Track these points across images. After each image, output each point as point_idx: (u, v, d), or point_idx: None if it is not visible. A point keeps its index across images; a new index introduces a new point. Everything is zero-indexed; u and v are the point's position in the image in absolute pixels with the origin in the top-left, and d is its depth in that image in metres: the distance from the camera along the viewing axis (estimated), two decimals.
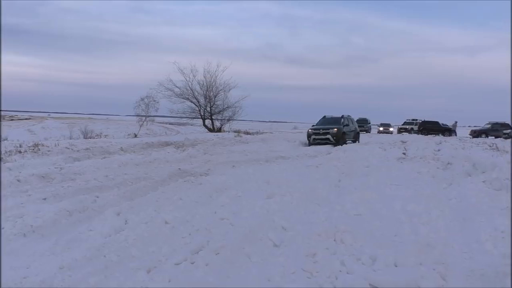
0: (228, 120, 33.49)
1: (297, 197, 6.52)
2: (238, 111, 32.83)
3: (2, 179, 8.15)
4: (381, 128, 44.43)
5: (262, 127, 54.27)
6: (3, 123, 31.37)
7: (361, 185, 7.60)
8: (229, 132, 29.58)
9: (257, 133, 30.42)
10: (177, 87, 31.51)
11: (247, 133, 28.94)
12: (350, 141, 21.29)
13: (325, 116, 22.33)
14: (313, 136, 20.04)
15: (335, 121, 21.11)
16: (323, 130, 19.97)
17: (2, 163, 10.49)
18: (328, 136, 19.60)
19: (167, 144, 18.22)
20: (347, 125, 21.29)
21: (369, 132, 42.01)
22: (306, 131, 21.30)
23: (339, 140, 19.36)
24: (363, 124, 42.80)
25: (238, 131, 29.11)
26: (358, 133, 23.27)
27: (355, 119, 44.05)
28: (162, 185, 8.40)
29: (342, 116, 21.52)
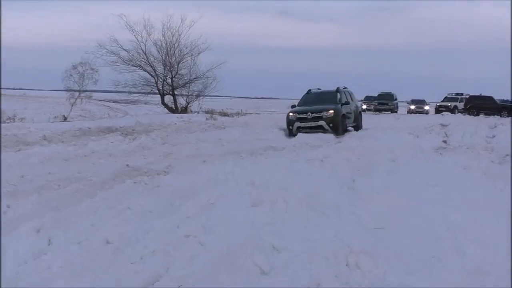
0: (197, 96, 33.42)
1: (294, 205, 6.50)
2: (211, 83, 32.81)
3: None
4: (412, 107, 44.83)
5: (246, 105, 54.35)
6: None
7: (384, 186, 7.63)
8: (198, 113, 29.58)
9: (238, 114, 30.49)
10: (124, 49, 31.45)
11: (224, 114, 29.01)
12: (351, 127, 20.14)
13: (310, 90, 20.76)
14: (297, 124, 18.25)
15: (328, 98, 19.33)
16: (312, 114, 18.21)
17: None
18: (321, 122, 17.88)
19: (111, 130, 18.15)
20: (347, 103, 19.45)
21: (396, 112, 42.46)
22: (286, 115, 19.39)
23: (337, 127, 17.83)
24: (387, 101, 43.23)
25: (211, 112, 29.15)
26: (360, 114, 21.94)
27: (375, 94, 44.62)
28: (103, 188, 8.34)
29: (338, 90, 19.90)
